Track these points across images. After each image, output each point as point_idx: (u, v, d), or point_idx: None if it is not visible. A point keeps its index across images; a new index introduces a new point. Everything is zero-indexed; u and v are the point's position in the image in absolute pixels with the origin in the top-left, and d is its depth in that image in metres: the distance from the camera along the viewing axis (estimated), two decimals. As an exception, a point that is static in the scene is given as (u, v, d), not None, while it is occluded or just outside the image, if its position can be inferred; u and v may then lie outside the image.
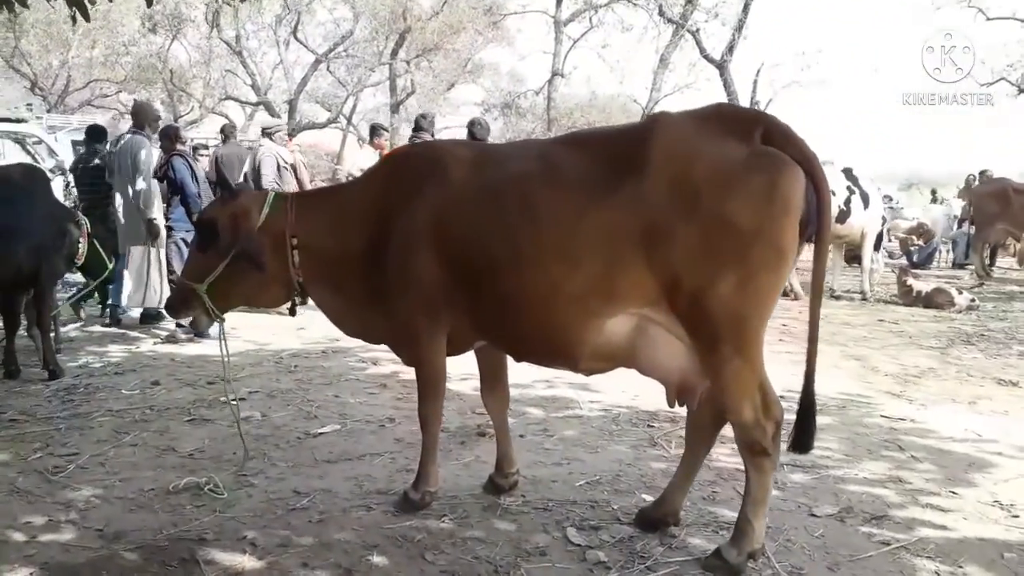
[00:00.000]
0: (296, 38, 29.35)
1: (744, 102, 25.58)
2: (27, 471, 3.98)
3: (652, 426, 4.80)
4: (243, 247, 3.50)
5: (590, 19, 31.34)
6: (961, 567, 3.00)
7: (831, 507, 3.56)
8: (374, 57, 30.50)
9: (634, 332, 2.98)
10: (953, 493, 3.74)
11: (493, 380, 3.72)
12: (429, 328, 3.34)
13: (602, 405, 5.23)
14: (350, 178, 9.40)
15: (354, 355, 6.82)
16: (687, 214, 2.78)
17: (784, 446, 2.96)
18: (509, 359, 3.60)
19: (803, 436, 2.95)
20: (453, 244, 3.19)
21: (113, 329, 7.86)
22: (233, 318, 4.74)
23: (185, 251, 7.32)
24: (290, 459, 4.22)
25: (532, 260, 2.98)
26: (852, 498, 3.67)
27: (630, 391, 5.46)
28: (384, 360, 6.58)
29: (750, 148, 2.79)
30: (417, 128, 8.86)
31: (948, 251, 17.56)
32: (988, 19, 27.54)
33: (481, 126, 8.56)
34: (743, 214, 2.74)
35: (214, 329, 7.10)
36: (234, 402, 4.07)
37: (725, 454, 4.31)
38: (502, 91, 38.27)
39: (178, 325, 7.27)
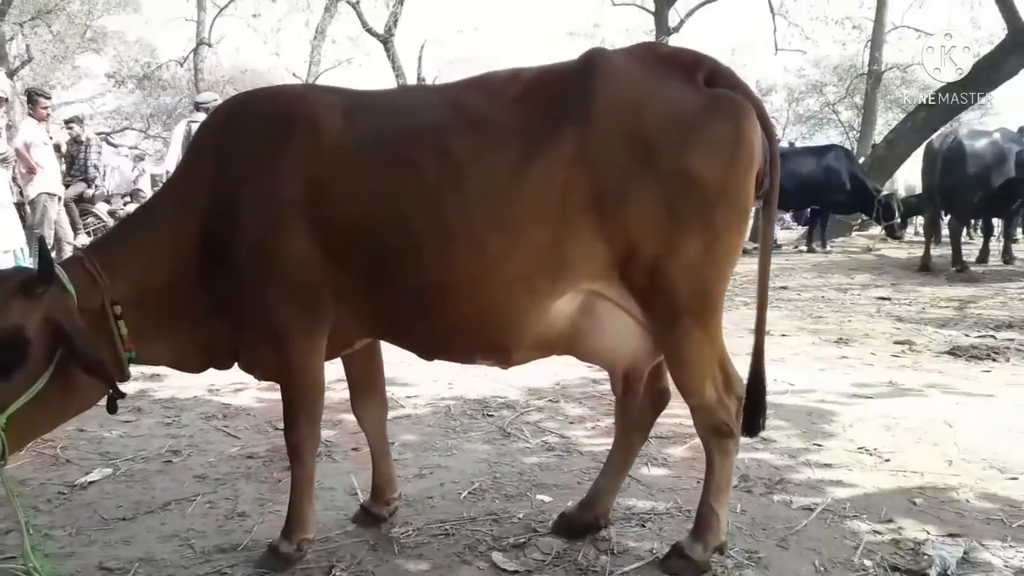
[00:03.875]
0: None
1: (411, 78, 25.78)
2: None
3: (491, 415, 4.36)
4: (77, 351, 2.31)
5: (237, -13, 29.31)
6: (892, 520, 2.98)
7: (727, 477, 3.42)
8: (-29, 19, 25.65)
9: (579, 312, 2.51)
10: (818, 446, 3.81)
11: (369, 387, 3.01)
12: (305, 328, 2.56)
13: (423, 399, 4.67)
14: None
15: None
16: (643, 170, 2.37)
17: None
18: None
19: (755, 416, 2.69)
20: (338, 217, 2.46)
21: None
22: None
23: None
24: (66, 523, 3.11)
25: (461, 233, 2.38)
26: (738, 465, 3.57)
27: (441, 379, 4.98)
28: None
29: (703, 92, 2.45)
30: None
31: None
32: (614, 4, 30.55)
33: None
34: (706, 168, 2.39)
35: None
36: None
37: (587, 436, 4.05)
38: (136, 61, 34.67)
39: None
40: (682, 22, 26.93)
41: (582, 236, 2.38)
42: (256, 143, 2.54)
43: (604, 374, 5.10)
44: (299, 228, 2.46)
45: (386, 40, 26.27)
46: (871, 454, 3.68)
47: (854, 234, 18.08)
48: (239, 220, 2.50)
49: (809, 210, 15.81)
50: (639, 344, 2.56)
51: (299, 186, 2.46)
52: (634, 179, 2.36)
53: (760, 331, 2.69)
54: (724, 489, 2.65)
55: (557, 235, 2.37)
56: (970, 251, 12.60)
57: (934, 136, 12.77)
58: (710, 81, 2.47)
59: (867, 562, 2.69)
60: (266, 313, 2.53)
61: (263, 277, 2.50)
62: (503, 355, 2.56)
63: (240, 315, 2.58)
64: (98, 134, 13.64)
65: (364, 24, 26.63)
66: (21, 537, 2.48)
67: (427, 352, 2.67)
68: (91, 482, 3.53)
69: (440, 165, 2.38)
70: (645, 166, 2.36)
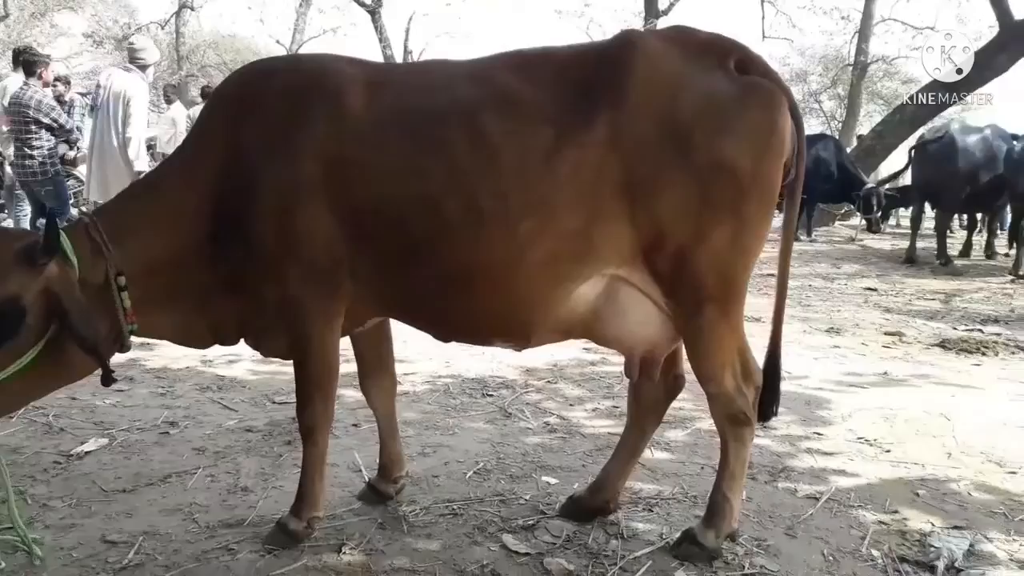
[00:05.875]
0: None
1: (398, 50, 25.55)
2: None
3: (490, 395, 4.34)
4: (72, 328, 2.22)
5: (219, -52, 28.84)
6: (896, 511, 3.01)
7: (732, 464, 3.44)
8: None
9: (601, 297, 2.49)
10: (818, 435, 3.83)
11: (378, 365, 2.98)
12: (322, 308, 2.51)
13: (421, 377, 4.64)
14: None
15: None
16: (676, 156, 2.34)
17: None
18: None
19: (769, 402, 2.71)
20: (359, 197, 2.40)
21: None
22: None
23: None
24: (64, 495, 3.06)
25: (489, 216, 2.33)
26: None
27: (436, 356, 4.94)
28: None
29: (737, 79, 2.42)
30: None
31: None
32: None
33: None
34: (741, 156, 2.36)
35: None
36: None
37: (587, 418, 4.04)
38: (115, 22, 33.99)
39: None
40: (672, 5, 26.78)
41: (611, 221, 2.35)
42: (274, 116, 2.46)
43: (600, 355, 5.16)
44: (319, 207, 2.39)
45: (374, 11, 25.96)
46: (871, 444, 3.71)
47: (837, 224, 18.18)
48: (256, 196, 2.42)
49: (794, 198, 15.81)
50: (659, 330, 2.55)
51: (320, 164, 2.38)
52: (667, 165, 2.33)
53: (778, 319, 2.69)
54: (738, 477, 2.65)
55: (586, 219, 2.34)
56: (952, 245, 12.72)
57: (924, 130, 12.80)
58: (742, 68, 2.44)
59: (875, 552, 2.71)
60: (283, 292, 2.47)
61: (280, 255, 2.43)
62: (523, 338, 2.53)
63: (253, 292, 2.51)
64: (80, 94, 13.34)
65: (353, -7, 26.32)
66: (9, 507, 2.44)
67: (445, 334, 2.63)
68: (87, 452, 3.47)
69: (470, 146, 2.32)
70: (679, 152, 2.33)
